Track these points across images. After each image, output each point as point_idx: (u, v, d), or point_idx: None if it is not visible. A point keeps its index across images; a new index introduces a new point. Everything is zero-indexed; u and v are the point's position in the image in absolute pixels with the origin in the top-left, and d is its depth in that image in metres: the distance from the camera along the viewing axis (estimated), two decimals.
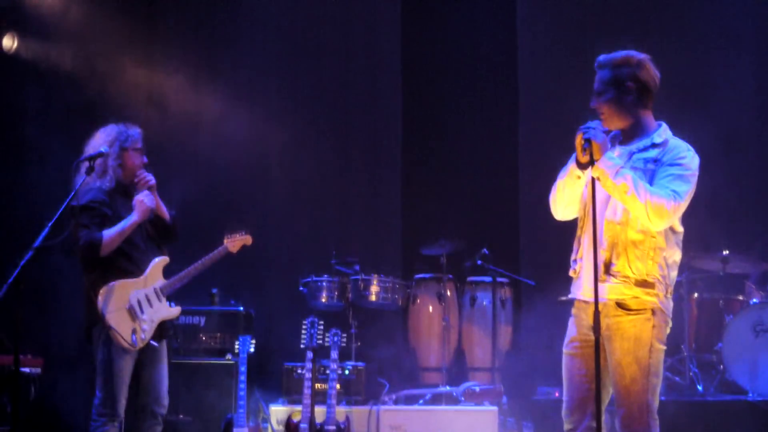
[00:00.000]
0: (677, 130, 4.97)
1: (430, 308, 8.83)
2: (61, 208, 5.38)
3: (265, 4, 10.06)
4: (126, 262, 6.18)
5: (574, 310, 4.92)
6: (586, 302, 4.75)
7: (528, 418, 8.03)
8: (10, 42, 8.91)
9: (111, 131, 6.30)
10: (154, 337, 6.22)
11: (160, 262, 6.35)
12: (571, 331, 4.91)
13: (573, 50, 9.61)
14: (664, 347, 4.78)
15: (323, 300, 8.54)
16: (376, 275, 8.54)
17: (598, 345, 4.50)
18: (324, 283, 8.56)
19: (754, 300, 8.27)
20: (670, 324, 4.83)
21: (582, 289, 4.83)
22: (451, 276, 8.83)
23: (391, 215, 10.09)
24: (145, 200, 6.21)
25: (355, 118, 10.22)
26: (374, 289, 8.51)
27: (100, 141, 6.23)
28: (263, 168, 9.67)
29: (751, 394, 7.80)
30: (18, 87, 8.92)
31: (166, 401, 6.30)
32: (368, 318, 8.69)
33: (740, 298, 8.54)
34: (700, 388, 8.11)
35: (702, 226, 8.44)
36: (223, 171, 9.48)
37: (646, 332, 4.69)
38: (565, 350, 4.92)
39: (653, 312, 4.71)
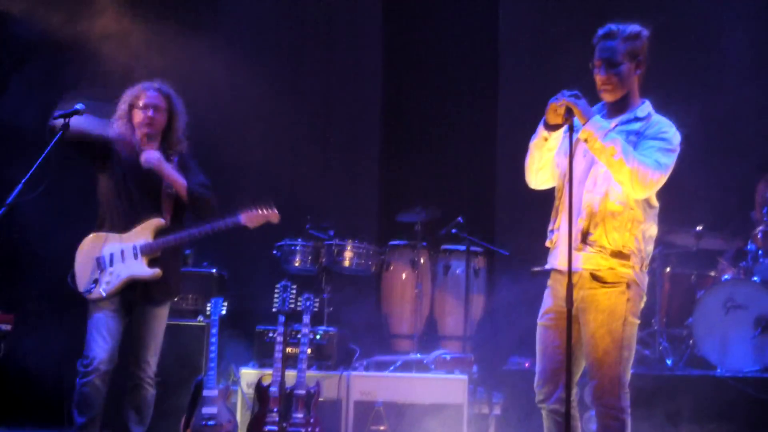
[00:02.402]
0: (658, 106, 4.99)
1: (404, 275, 8.82)
2: (35, 165, 5.33)
3: None
4: (116, 217, 6.25)
5: (550, 282, 4.94)
6: (562, 273, 4.76)
7: (498, 388, 8.04)
8: None
9: (132, 89, 6.43)
10: (140, 298, 6.23)
11: (151, 222, 6.33)
12: (547, 302, 4.92)
13: (554, 19, 9.59)
14: (638, 321, 4.80)
15: (297, 264, 8.52)
16: (350, 241, 8.51)
17: (570, 315, 4.51)
18: (298, 248, 8.52)
19: (726, 276, 8.31)
20: (645, 298, 4.85)
21: (559, 258, 4.84)
22: (425, 243, 8.81)
23: (368, 182, 10.06)
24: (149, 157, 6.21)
25: (336, 82, 10.17)
26: (348, 254, 8.49)
27: (123, 97, 6.41)
28: (241, 130, 9.59)
29: (719, 370, 7.84)
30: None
31: (145, 364, 6.33)
32: (341, 283, 8.65)
33: (712, 274, 8.57)
34: (669, 362, 8.14)
35: (677, 201, 8.50)
36: (199, 132, 9.40)
37: (621, 305, 4.72)
38: (539, 321, 4.93)
39: (628, 285, 4.73)
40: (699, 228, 8.45)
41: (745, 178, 9.03)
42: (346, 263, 8.48)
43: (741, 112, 9.21)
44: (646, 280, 4.84)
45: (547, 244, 4.96)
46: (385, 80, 10.26)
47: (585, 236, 4.73)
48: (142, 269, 6.28)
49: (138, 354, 6.28)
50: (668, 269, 8.62)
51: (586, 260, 4.71)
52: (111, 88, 6.64)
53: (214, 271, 8.34)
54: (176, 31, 9.12)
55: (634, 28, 4.88)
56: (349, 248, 8.49)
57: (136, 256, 6.25)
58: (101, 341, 6.12)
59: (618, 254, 4.71)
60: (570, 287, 4.49)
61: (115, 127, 6.30)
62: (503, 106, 9.99)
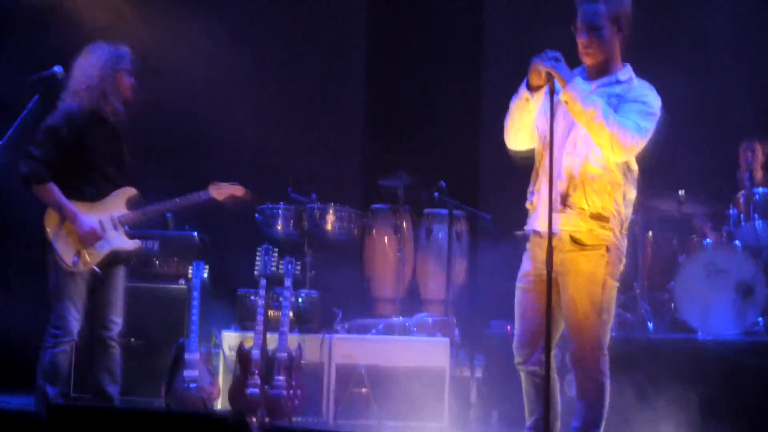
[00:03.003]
0: (643, 70, 4.98)
1: (386, 239, 8.82)
2: (11, 128, 5.28)
3: None
4: (85, 185, 6.13)
5: (528, 245, 4.93)
6: (541, 236, 4.75)
7: (480, 351, 8.05)
8: None
9: (102, 51, 6.21)
10: (102, 264, 6.17)
11: (125, 191, 6.30)
12: (526, 265, 4.92)
13: None
14: (617, 284, 4.81)
15: (278, 228, 8.50)
16: (332, 204, 8.49)
17: (550, 278, 4.51)
18: (280, 211, 8.52)
19: (707, 240, 8.32)
20: (624, 261, 4.85)
21: (539, 220, 4.82)
22: (407, 207, 8.80)
23: (352, 145, 10.08)
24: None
25: (319, 45, 10.13)
26: (330, 218, 8.47)
27: (89, 60, 6.16)
28: (223, 95, 9.53)
29: (700, 334, 7.85)
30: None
31: (112, 324, 6.25)
32: (324, 247, 8.64)
33: (694, 238, 8.58)
34: (650, 325, 8.15)
35: (659, 166, 8.50)
36: (180, 96, 9.35)
37: (600, 268, 4.72)
38: (518, 284, 4.93)
39: (607, 248, 4.73)
40: (681, 192, 8.44)
41: (728, 141, 9.02)
42: (328, 227, 8.47)
43: (724, 75, 9.20)
44: (625, 243, 4.84)
45: (527, 206, 4.95)
46: (369, 45, 10.24)
47: (564, 198, 4.72)
48: (123, 241, 6.27)
49: (105, 316, 6.19)
50: (650, 233, 8.62)
51: (566, 222, 4.71)
52: None
53: (195, 234, 8.30)
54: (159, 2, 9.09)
55: None
56: (331, 212, 8.49)
57: (116, 227, 6.22)
58: (75, 312, 6.06)
59: (597, 216, 4.70)
60: (550, 249, 4.49)
61: (83, 98, 6.12)
62: (487, 70, 9.98)
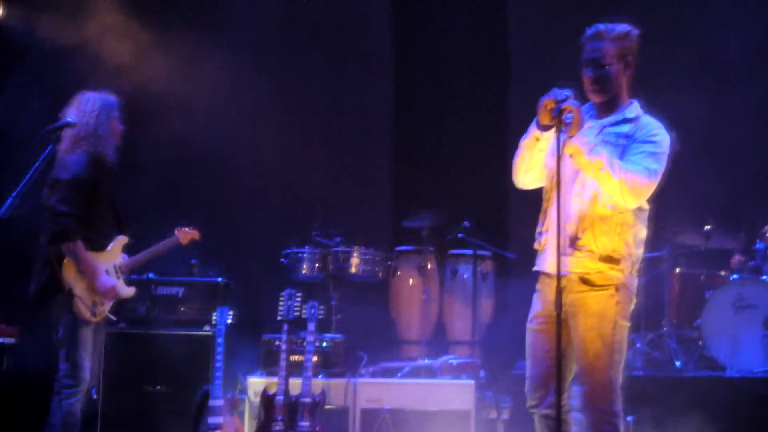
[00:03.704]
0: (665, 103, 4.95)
1: (411, 281, 8.80)
2: (26, 178, 5.34)
3: None
4: (95, 236, 6.21)
5: (538, 285, 4.90)
6: (550, 276, 4.72)
7: (507, 392, 7.99)
8: None
9: (95, 100, 6.34)
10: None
11: (121, 240, 6.44)
12: (536, 306, 4.89)
13: (562, 19, 9.56)
14: (628, 324, 4.75)
15: (304, 272, 8.51)
16: (356, 247, 8.49)
17: (559, 320, 4.47)
18: (305, 255, 8.52)
19: (735, 276, 8.23)
20: (635, 300, 4.80)
21: (547, 261, 4.79)
22: (432, 249, 8.80)
23: (379, 187, 10.09)
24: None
25: (346, 88, 10.21)
26: (355, 261, 8.47)
27: (83, 109, 6.26)
28: (250, 137, 9.59)
29: (729, 371, 7.76)
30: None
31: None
32: (350, 290, 8.64)
33: (722, 273, 8.52)
34: (678, 363, 8.08)
35: (684, 201, 8.46)
36: (208, 138, 9.42)
37: (610, 308, 4.67)
38: (528, 326, 4.90)
39: (617, 288, 4.68)
40: (708, 227, 8.39)
41: (754, 176, 8.95)
42: (353, 270, 8.47)
43: (749, 109, 9.14)
44: (635, 282, 4.79)
45: (536, 246, 4.92)
46: (396, 85, 10.28)
47: (574, 241, 4.68)
48: (125, 289, 6.45)
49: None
50: (677, 270, 8.58)
51: (575, 264, 4.67)
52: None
53: (219, 280, 8.32)
54: (179, 34, 9.13)
55: (623, 27, 4.82)
56: (355, 255, 8.48)
57: (117, 275, 6.36)
58: (88, 361, 6.14)
59: (607, 258, 4.66)
60: (559, 291, 4.46)
61: (86, 147, 6.22)
62: (514, 109, 9.97)
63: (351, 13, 10.21)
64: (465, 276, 8.83)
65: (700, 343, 8.14)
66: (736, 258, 8.59)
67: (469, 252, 8.70)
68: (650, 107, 4.95)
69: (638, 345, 8.32)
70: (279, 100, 9.64)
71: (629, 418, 7.04)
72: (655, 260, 8.53)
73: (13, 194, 5.20)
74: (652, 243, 8.32)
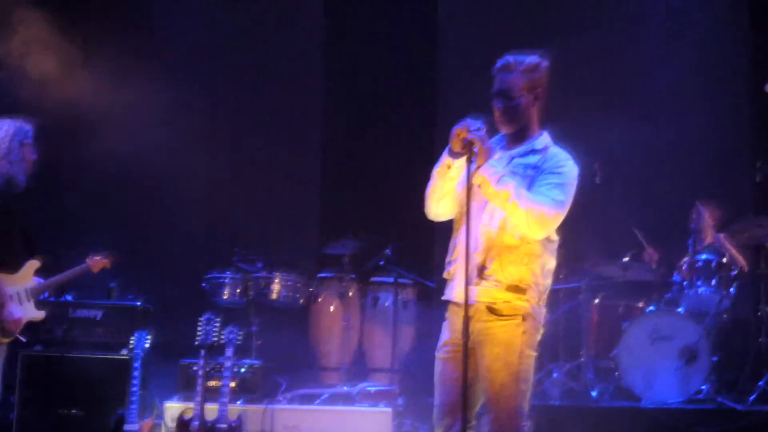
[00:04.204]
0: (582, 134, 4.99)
1: (332, 308, 8.82)
2: None
3: None
4: (6, 255, 6.15)
5: (447, 314, 4.91)
6: (458, 305, 4.74)
7: (425, 420, 8.00)
8: None
9: (9, 125, 6.34)
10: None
11: (33, 263, 6.42)
12: (445, 334, 4.89)
13: (495, 46, 9.63)
14: (535, 353, 4.77)
15: (225, 297, 8.52)
16: (278, 273, 8.52)
17: (466, 348, 4.50)
18: (226, 280, 8.53)
19: (651, 308, 8.32)
20: (542, 331, 4.82)
21: (455, 290, 4.81)
22: (353, 276, 8.82)
23: (302, 213, 10.09)
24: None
25: (276, 112, 10.23)
26: (275, 287, 8.49)
27: None
28: (177, 160, 9.53)
29: (644, 402, 7.84)
30: None
31: None
32: (271, 316, 8.64)
33: (639, 305, 8.61)
34: (594, 393, 8.14)
35: (602, 233, 8.56)
36: (133, 158, 9.36)
37: (517, 338, 4.69)
38: (437, 354, 4.89)
39: (524, 318, 4.70)
40: (625, 259, 8.50)
41: (674, 209, 9.07)
42: (274, 296, 8.49)
43: (674, 140, 9.29)
44: (543, 312, 4.81)
45: (445, 275, 4.94)
46: (324, 110, 10.31)
47: (481, 270, 4.70)
48: (34, 312, 6.44)
49: None
50: (596, 301, 8.66)
51: (482, 293, 4.69)
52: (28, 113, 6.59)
53: (138, 303, 8.27)
54: (104, 49, 9.08)
55: (532, 59, 4.86)
56: (276, 281, 8.50)
57: (28, 299, 6.36)
58: None
59: (514, 288, 4.69)
60: (466, 320, 4.49)
61: (4, 167, 6.20)
62: (441, 138, 9.97)
63: (281, 35, 10.23)
64: (386, 303, 8.86)
65: (617, 373, 8.19)
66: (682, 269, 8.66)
67: (390, 280, 8.73)
68: (572, 137, 5.00)
69: (555, 375, 8.39)
70: (205, 123, 9.65)
71: None
72: (574, 291, 8.61)
73: None
74: (571, 274, 8.46)
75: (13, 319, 6.14)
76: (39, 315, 6.47)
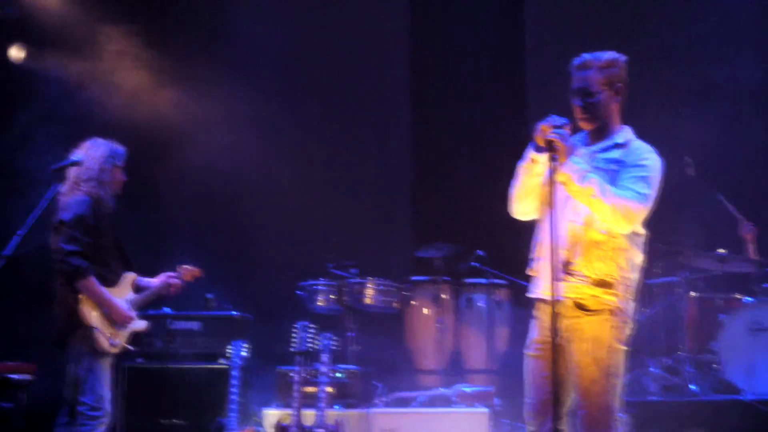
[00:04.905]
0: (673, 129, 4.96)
1: (426, 311, 8.86)
2: (32, 216, 5.43)
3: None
4: (106, 272, 6.31)
5: (535, 312, 4.91)
6: (545, 302, 4.74)
7: (523, 420, 7.97)
8: (18, 53, 9.00)
9: (102, 147, 6.48)
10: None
11: (130, 276, 6.55)
12: (533, 332, 4.90)
13: (584, 43, 9.59)
14: (624, 348, 4.75)
15: (320, 303, 8.60)
16: (371, 278, 8.57)
17: (555, 345, 4.49)
18: (321, 287, 8.61)
19: (749, 299, 8.19)
20: (631, 325, 4.79)
21: (541, 287, 4.82)
22: (447, 278, 8.84)
23: (394, 218, 10.13)
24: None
25: (363, 118, 10.28)
26: (369, 292, 8.54)
27: (90, 153, 6.40)
28: (265, 169, 9.66)
29: (745, 394, 7.72)
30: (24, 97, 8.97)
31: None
32: (366, 321, 8.69)
33: (737, 296, 8.48)
34: (694, 387, 8.03)
35: (698, 225, 8.46)
36: (224, 170, 9.50)
37: (605, 333, 4.67)
38: (526, 352, 4.90)
39: (612, 312, 4.68)
40: (722, 251, 8.37)
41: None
42: (368, 301, 8.53)
43: (760, 133, 9.14)
44: (631, 307, 4.78)
45: (529, 272, 4.94)
46: (413, 114, 10.35)
47: (567, 266, 4.69)
48: (138, 323, 6.52)
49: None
50: (692, 294, 8.54)
51: (569, 289, 4.68)
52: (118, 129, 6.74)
53: (235, 313, 8.39)
54: (188, 65, 9.21)
55: (609, 55, 4.86)
56: (370, 286, 8.55)
57: (131, 310, 6.44)
58: (108, 392, 6.23)
59: (601, 283, 4.67)
60: (554, 316, 4.48)
61: (89, 188, 6.33)
62: (531, 137, 9.98)
63: (366, 39, 10.29)
64: (480, 305, 8.86)
65: (716, 366, 8.09)
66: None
67: (484, 281, 8.74)
68: (661, 131, 4.98)
69: (654, 370, 8.30)
70: (294, 132, 9.73)
71: None
72: (671, 285, 8.52)
73: (19, 233, 5.30)
74: (667, 268, 8.38)
75: (126, 315, 6.32)
76: (142, 325, 6.56)
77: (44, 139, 8.04)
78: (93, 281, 6.13)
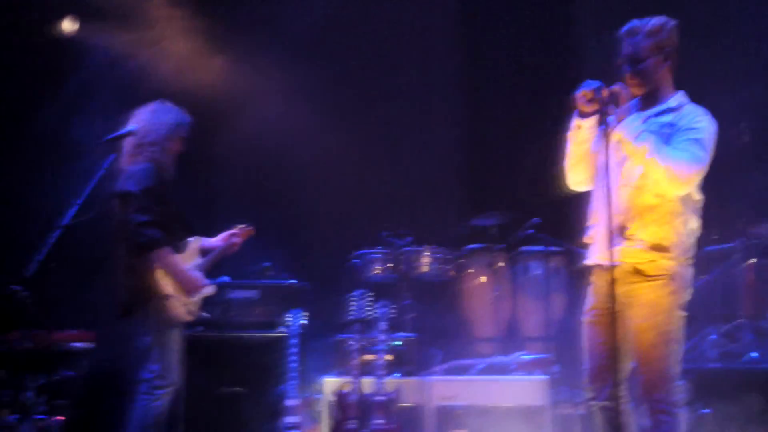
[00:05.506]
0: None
1: (482, 279, 8.85)
2: (89, 186, 5.47)
3: None
4: (173, 239, 6.26)
5: (591, 278, 4.91)
6: (602, 268, 4.74)
7: (581, 387, 7.96)
8: (70, 25, 9.08)
9: (171, 113, 6.36)
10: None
11: (195, 241, 6.50)
12: (590, 299, 4.91)
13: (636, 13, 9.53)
14: (684, 313, 4.74)
15: (376, 272, 8.60)
16: (427, 246, 8.55)
17: (614, 311, 4.49)
18: (376, 256, 8.62)
19: None
20: (690, 291, 4.78)
21: (597, 253, 4.81)
22: (502, 246, 8.83)
23: (447, 186, 10.11)
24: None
25: (413, 86, 10.25)
26: (425, 260, 8.52)
27: (158, 117, 6.30)
28: (315, 139, 9.66)
29: None
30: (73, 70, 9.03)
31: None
32: (422, 289, 8.69)
33: None
34: (754, 354, 7.97)
35: (753, 192, 8.36)
36: (277, 141, 9.51)
37: (664, 298, 4.67)
38: (584, 319, 4.92)
39: (671, 278, 4.68)
40: None
41: None
42: (425, 269, 8.51)
43: None
44: (690, 272, 4.77)
45: (585, 239, 4.94)
46: (464, 81, 10.31)
47: (622, 230, 4.69)
48: (208, 288, 6.47)
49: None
50: (751, 260, 8.45)
51: (626, 254, 4.68)
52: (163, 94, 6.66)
53: (294, 282, 8.43)
54: (239, 37, 9.21)
55: (657, 21, 4.86)
56: (426, 254, 8.53)
57: (202, 277, 6.43)
58: (176, 363, 6.25)
59: (657, 247, 4.67)
60: (612, 282, 4.48)
61: (151, 153, 6.24)
62: None
63: (417, 9, 10.26)
64: (536, 272, 8.84)
65: None
66: None
67: (540, 248, 8.72)
68: (717, 97, 4.95)
69: (713, 337, 8.24)
70: (344, 101, 9.72)
71: (705, 411, 7.00)
72: (728, 251, 8.44)
73: (76, 202, 5.34)
74: (724, 234, 8.31)
75: (200, 282, 6.31)
76: (211, 290, 6.52)
77: (95, 108, 8.08)
78: (167, 251, 6.10)
